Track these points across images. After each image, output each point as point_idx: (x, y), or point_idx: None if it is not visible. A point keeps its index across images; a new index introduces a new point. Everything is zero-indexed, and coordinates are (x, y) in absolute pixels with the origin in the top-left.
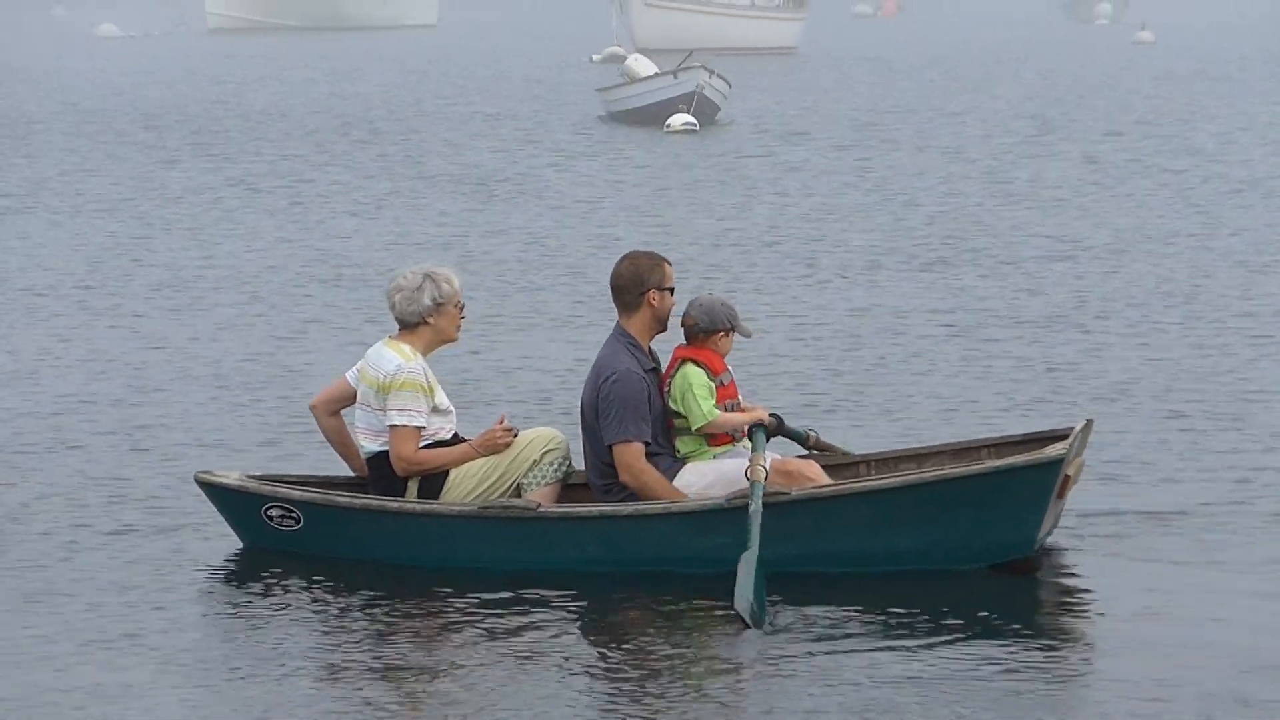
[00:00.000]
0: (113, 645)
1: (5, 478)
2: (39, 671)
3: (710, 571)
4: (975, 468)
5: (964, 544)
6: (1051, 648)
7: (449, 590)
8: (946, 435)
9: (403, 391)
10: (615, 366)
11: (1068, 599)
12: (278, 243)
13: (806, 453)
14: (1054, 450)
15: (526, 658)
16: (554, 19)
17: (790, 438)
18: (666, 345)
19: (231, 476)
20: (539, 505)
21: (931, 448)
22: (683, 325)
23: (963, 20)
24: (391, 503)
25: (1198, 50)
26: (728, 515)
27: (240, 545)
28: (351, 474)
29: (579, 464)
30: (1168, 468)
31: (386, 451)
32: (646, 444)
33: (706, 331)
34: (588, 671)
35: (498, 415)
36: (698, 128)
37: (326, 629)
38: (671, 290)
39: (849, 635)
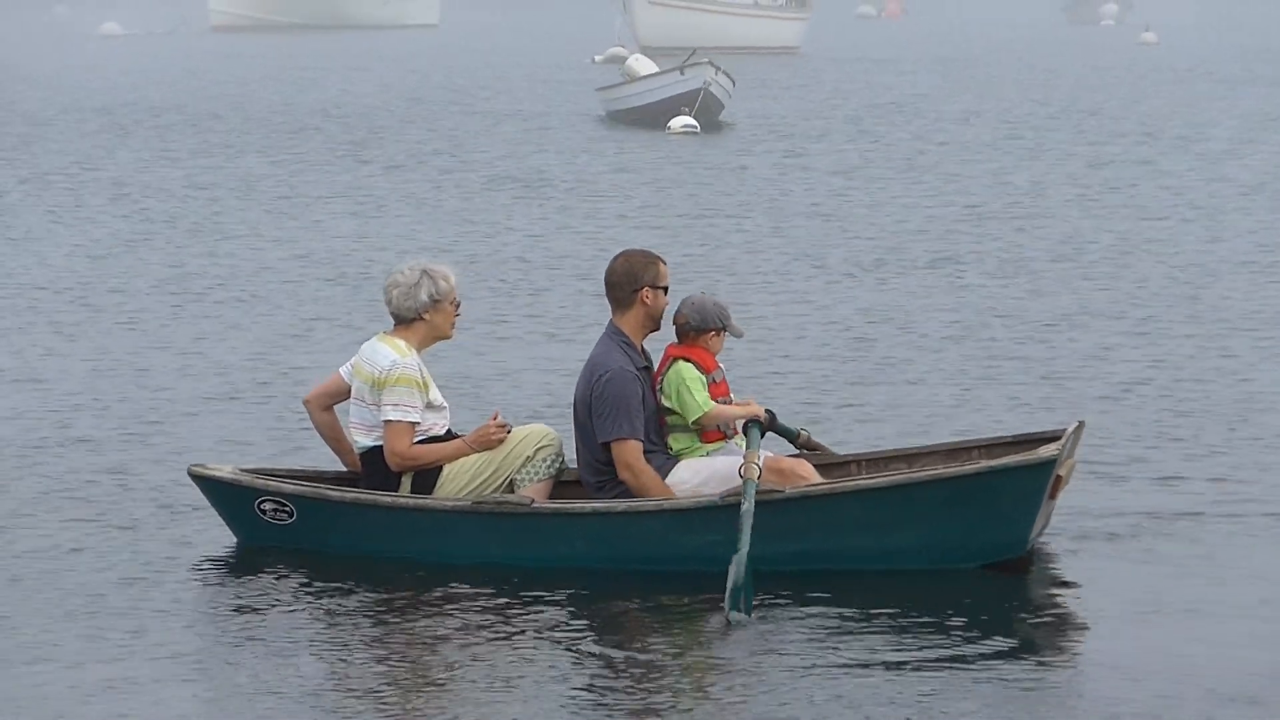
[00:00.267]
0: (106, 640)
1: (7, 473)
2: (32, 665)
3: (704, 569)
4: (968, 468)
5: (956, 544)
6: (1043, 648)
7: (442, 585)
8: (947, 435)
9: (397, 387)
10: (608, 365)
11: (1059, 600)
12: (279, 241)
13: (798, 451)
14: (1046, 451)
15: (519, 653)
16: (555, 20)
17: (781, 434)
18: (658, 344)
19: (224, 470)
20: (532, 501)
21: (923, 448)
22: (675, 324)
23: (966, 22)
24: (385, 497)
25: (1200, 51)
26: (721, 513)
27: (234, 539)
28: (344, 469)
29: (572, 461)
30: (1166, 469)
31: (380, 446)
32: (642, 441)
33: (698, 330)
34: (580, 668)
35: (492, 412)
36: (699, 130)
37: (319, 623)
38: (665, 289)
39: (840, 634)
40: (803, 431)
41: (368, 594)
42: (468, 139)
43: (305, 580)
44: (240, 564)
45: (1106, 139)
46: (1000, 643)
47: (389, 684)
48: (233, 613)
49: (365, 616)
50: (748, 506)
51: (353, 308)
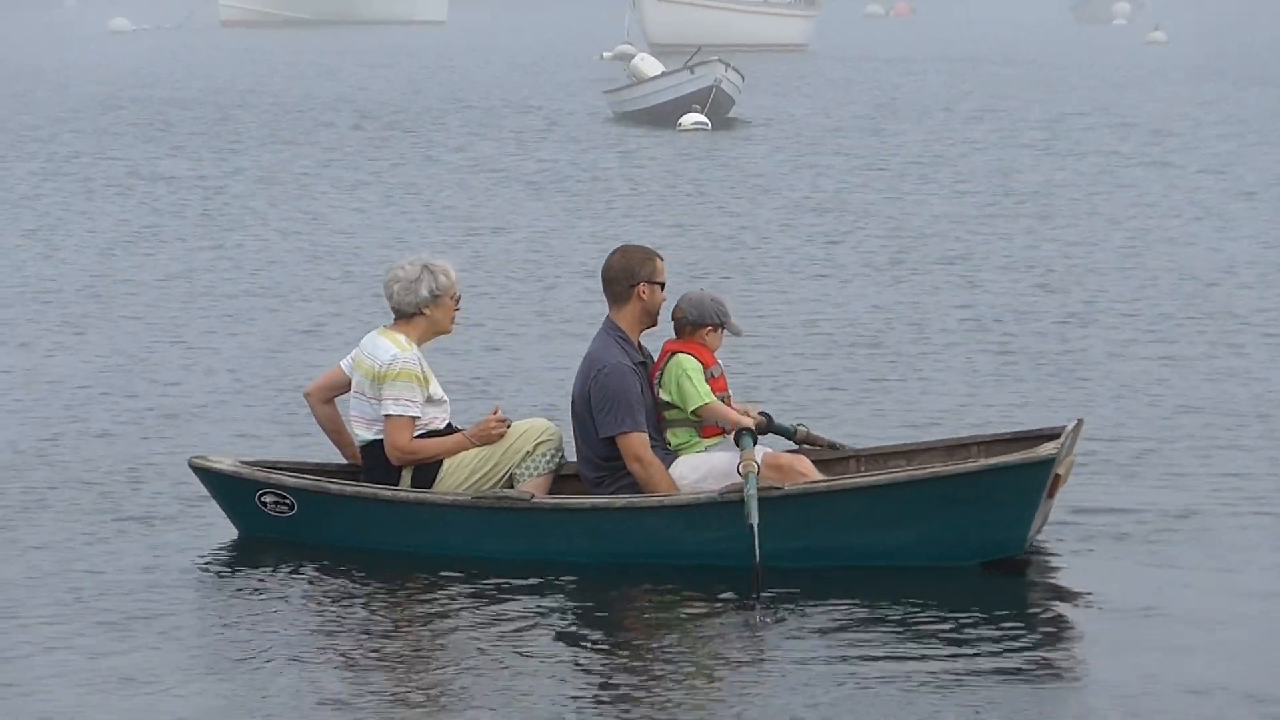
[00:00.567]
0: (107, 632)
1: (20, 465)
2: (34, 657)
3: (703, 564)
4: (967, 466)
5: (955, 541)
6: (1041, 646)
7: (441, 579)
8: (953, 431)
9: (398, 381)
10: (605, 360)
11: (1058, 598)
12: (288, 235)
13: (796, 447)
14: (1045, 449)
15: (517, 648)
16: (562, 18)
17: (778, 433)
18: (656, 340)
19: (225, 462)
20: (533, 496)
21: (922, 444)
22: (673, 318)
23: (974, 21)
24: (385, 491)
25: (1210, 50)
26: (721, 509)
27: (235, 531)
28: (344, 461)
29: (572, 456)
30: (1171, 466)
31: (381, 440)
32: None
33: (694, 325)
34: (578, 662)
35: (492, 407)
36: (709, 127)
37: (318, 616)
38: (663, 285)
39: (839, 631)
40: (800, 427)
41: (367, 587)
42: (477, 135)
43: (305, 573)
44: (241, 556)
45: (1115, 138)
46: (997, 641)
47: (387, 677)
48: (232, 605)
49: (365, 609)
50: (751, 490)
51: (362, 303)
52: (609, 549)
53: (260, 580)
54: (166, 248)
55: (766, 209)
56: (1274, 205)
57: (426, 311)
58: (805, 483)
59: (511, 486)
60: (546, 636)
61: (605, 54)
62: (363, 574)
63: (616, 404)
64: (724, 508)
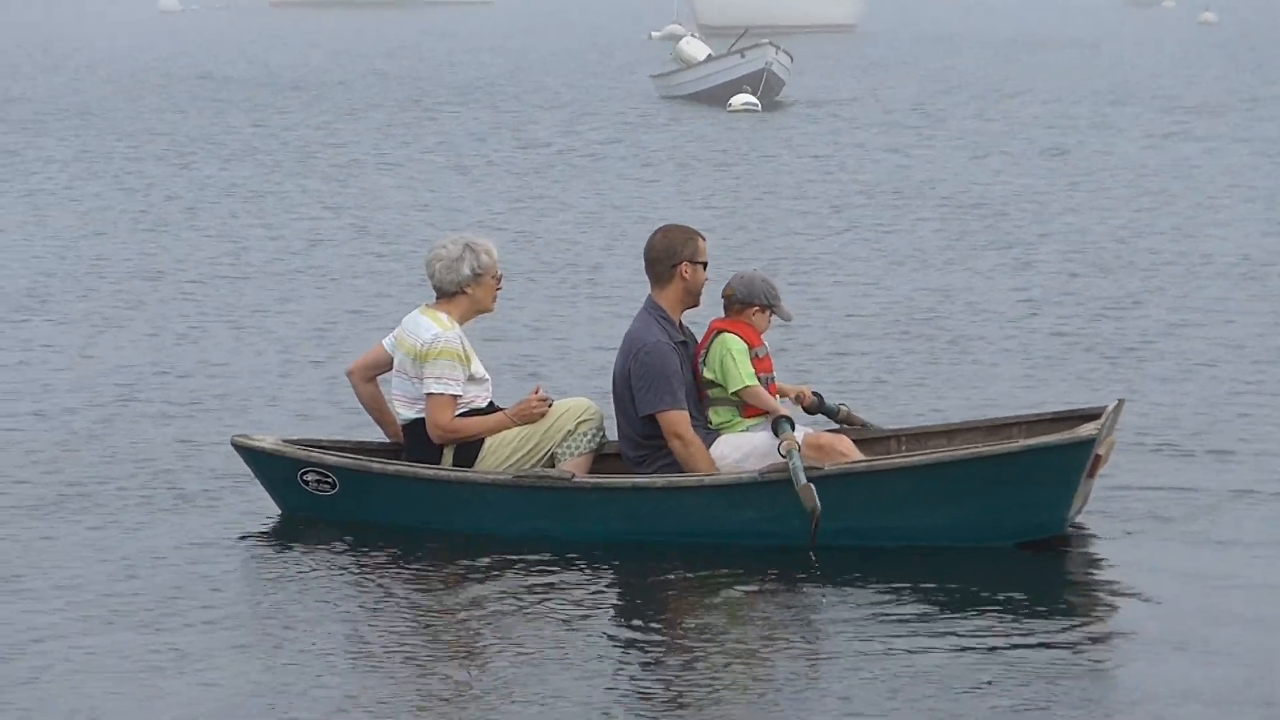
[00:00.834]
0: (149, 610)
1: (71, 444)
2: (77, 635)
3: (743, 544)
4: (1008, 446)
5: (995, 521)
6: (1081, 627)
7: (481, 557)
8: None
9: (440, 360)
10: (646, 339)
11: (1097, 578)
12: (338, 212)
13: (838, 427)
14: (1086, 430)
15: (557, 627)
16: None
17: (827, 414)
18: (699, 320)
19: (267, 441)
20: (573, 475)
21: (963, 424)
22: (723, 296)
23: (1024, 3)
24: (426, 469)
25: (1262, 31)
26: (761, 489)
27: (276, 510)
28: (386, 440)
29: (613, 434)
30: (1220, 449)
31: (422, 419)
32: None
33: (743, 303)
34: (617, 642)
35: (533, 386)
36: (759, 108)
37: (359, 594)
38: (704, 265)
39: (879, 611)
40: (842, 406)
41: (408, 565)
42: (525, 115)
43: (346, 551)
44: (283, 534)
45: (1166, 119)
46: (1037, 621)
47: (427, 656)
48: (274, 583)
49: (405, 588)
50: (796, 462)
51: (409, 283)
52: (649, 528)
53: (302, 558)
54: (216, 226)
55: (816, 190)
56: None
57: (468, 290)
58: (846, 463)
59: (553, 466)
60: (585, 616)
61: (654, 34)
62: (403, 552)
63: (657, 382)
64: (765, 488)
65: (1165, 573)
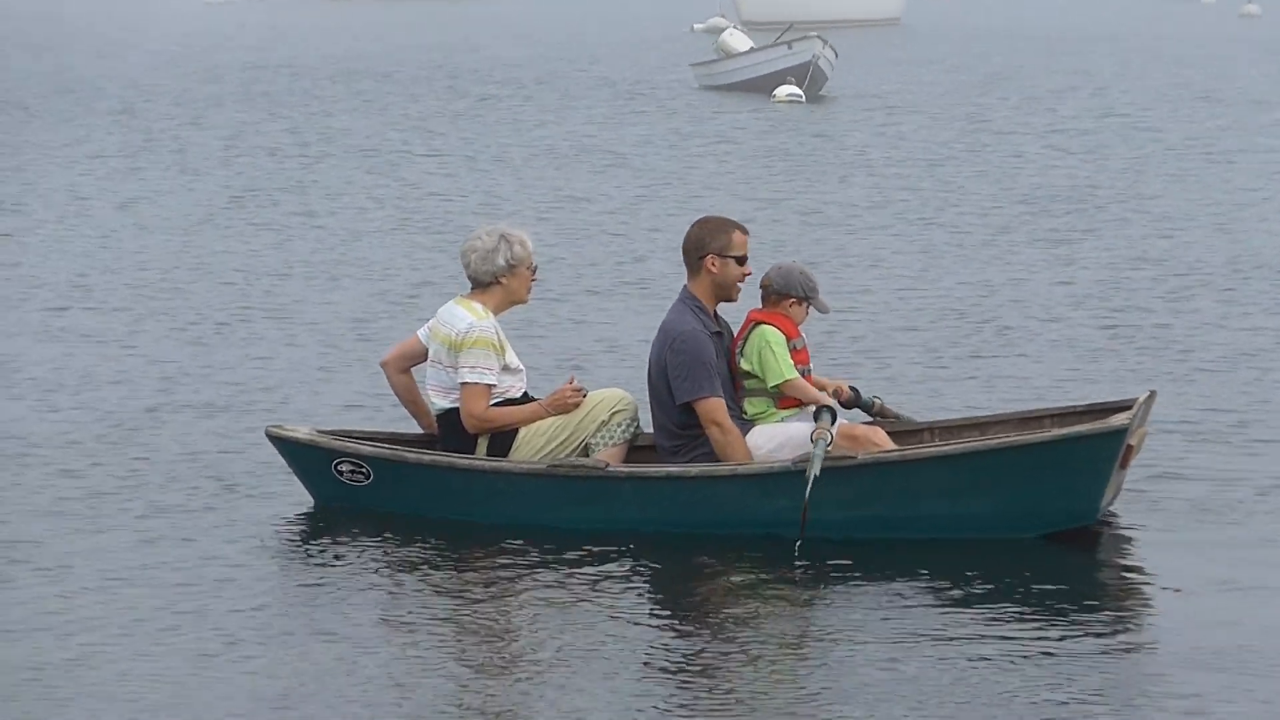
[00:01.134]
0: (183, 600)
1: (114, 437)
2: (115, 627)
3: (776, 534)
4: (1040, 435)
5: (1027, 511)
6: (1112, 618)
7: (515, 547)
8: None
9: (474, 349)
10: (681, 328)
11: (1129, 569)
12: (381, 204)
13: (872, 419)
14: (1118, 420)
15: (592, 617)
16: None
17: (862, 408)
18: (737, 313)
19: (302, 431)
20: (607, 465)
21: (996, 416)
22: (760, 286)
23: None
24: (460, 460)
25: None
26: (794, 478)
27: (310, 500)
28: (421, 431)
29: (647, 425)
30: (1259, 441)
31: (457, 408)
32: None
33: (779, 294)
34: (651, 631)
35: (568, 376)
36: (803, 100)
37: (393, 585)
38: (738, 259)
39: (910, 602)
40: (876, 399)
41: (441, 556)
42: (567, 106)
43: (381, 541)
44: (317, 525)
45: (1207, 113)
46: (1069, 612)
47: (460, 646)
48: (308, 573)
49: (439, 578)
50: (819, 451)
51: (450, 273)
52: (683, 518)
53: (336, 549)
54: (260, 215)
55: (860, 182)
56: None
57: (503, 281)
58: (879, 452)
59: (587, 456)
60: (620, 606)
61: (697, 26)
62: (437, 542)
63: (694, 370)
64: (797, 477)
65: (1199, 565)
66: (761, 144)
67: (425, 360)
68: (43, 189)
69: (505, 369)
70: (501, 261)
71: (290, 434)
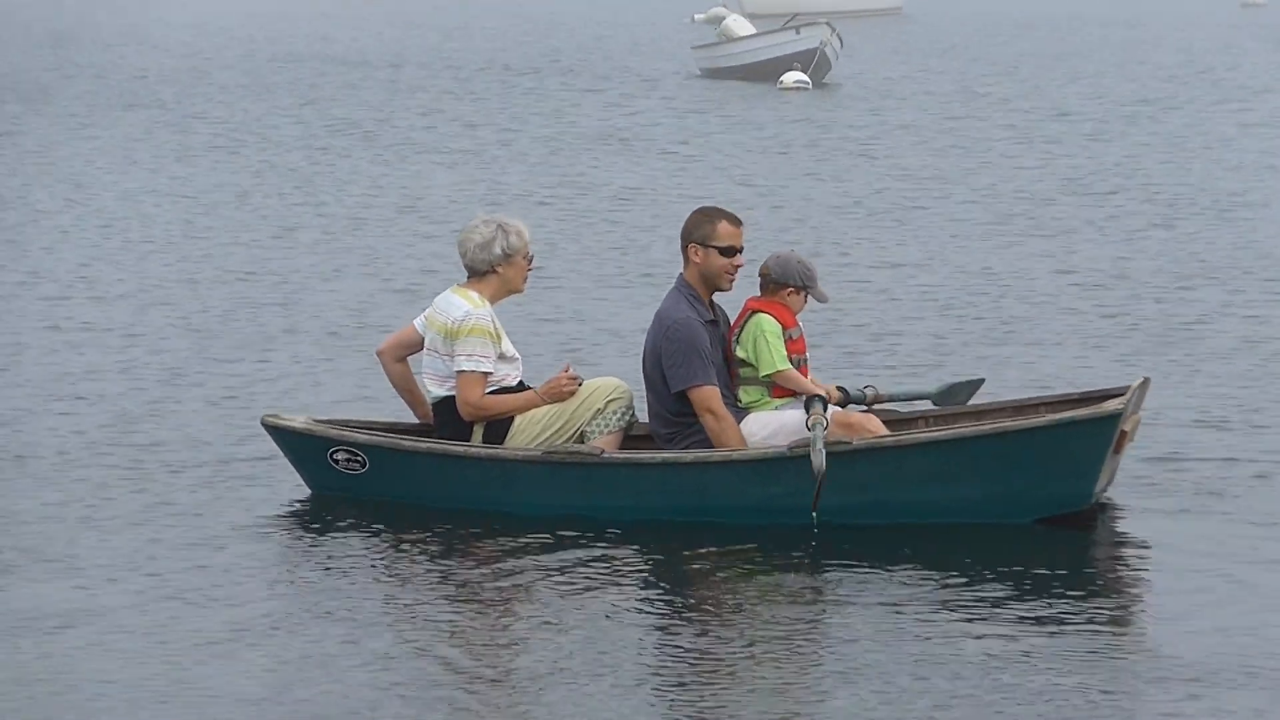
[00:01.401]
0: (179, 590)
1: (119, 424)
2: (115, 615)
3: (771, 520)
4: (1033, 421)
5: (1021, 497)
6: (1106, 603)
7: (511, 535)
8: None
9: (471, 337)
10: (675, 316)
11: (1123, 555)
12: (385, 192)
13: (867, 409)
14: (1111, 405)
15: (587, 603)
16: None
17: (854, 403)
18: (737, 300)
19: (297, 420)
20: (603, 451)
21: (990, 404)
22: (759, 275)
23: None
24: (456, 447)
25: None
26: (790, 464)
27: (306, 489)
28: (416, 420)
29: (642, 413)
30: (1257, 426)
31: (453, 396)
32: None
33: (777, 283)
34: (646, 617)
35: (564, 364)
36: (810, 86)
37: (389, 573)
38: (722, 250)
39: (905, 587)
40: (869, 389)
41: (438, 543)
42: (570, 95)
43: (377, 530)
44: (312, 513)
45: (1209, 100)
46: (1063, 597)
47: (457, 633)
48: (304, 562)
49: (435, 566)
50: (819, 433)
51: (455, 261)
52: (678, 504)
53: (332, 537)
54: (266, 205)
55: (866, 171)
56: None
57: (499, 270)
58: (873, 438)
59: (582, 443)
60: (615, 593)
61: (697, 16)
62: (434, 530)
63: (688, 358)
64: (792, 463)
65: (1197, 548)
66: (770, 131)
67: (421, 349)
68: (46, 179)
69: (501, 357)
70: (498, 251)
71: (286, 423)
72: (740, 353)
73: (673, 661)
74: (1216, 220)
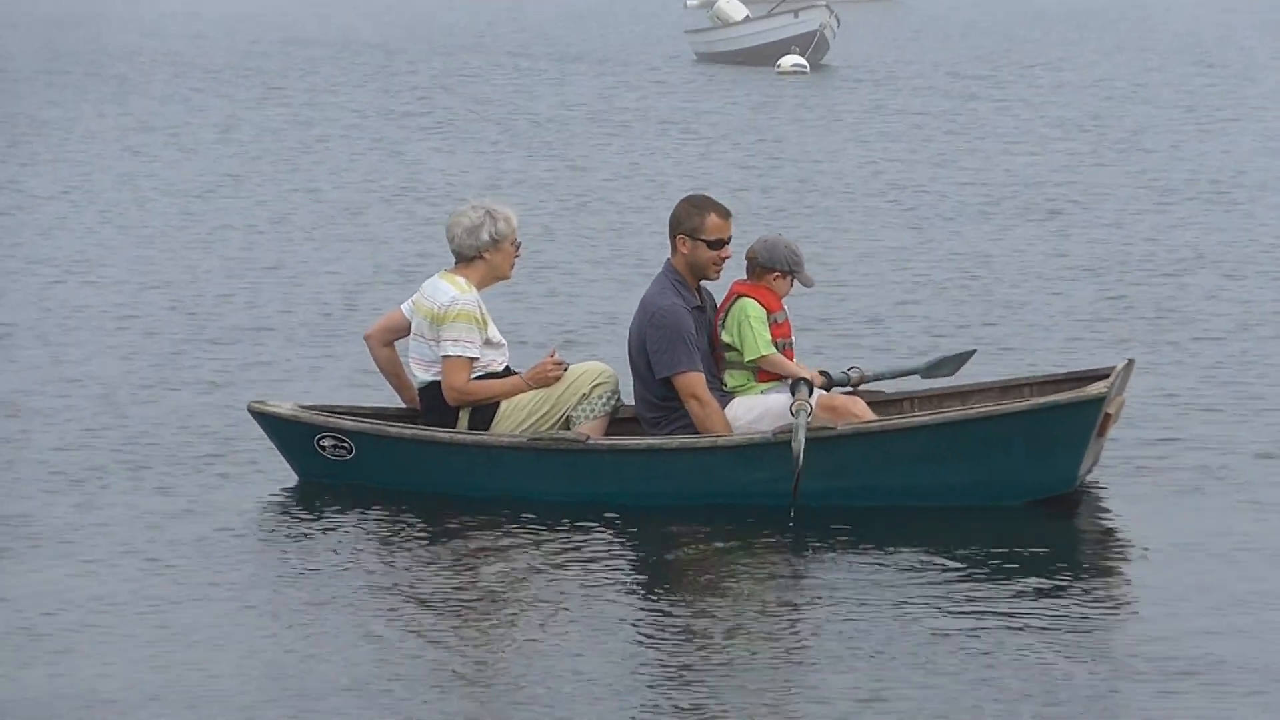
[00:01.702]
0: (164, 577)
1: (114, 405)
2: (85, 601)
3: (756, 504)
4: (1017, 405)
5: (1006, 480)
6: (1089, 584)
7: (497, 520)
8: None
9: (457, 322)
10: (660, 303)
11: (1107, 536)
12: (380, 177)
13: (852, 392)
14: (1095, 389)
15: (572, 587)
16: None
17: (836, 385)
18: (723, 284)
19: (284, 407)
20: (588, 438)
21: (975, 385)
22: (746, 258)
23: None
24: (442, 433)
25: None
26: (774, 449)
27: (293, 475)
28: (403, 405)
29: (629, 398)
30: (1243, 413)
31: (438, 382)
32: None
33: (763, 268)
34: (631, 602)
35: (549, 349)
36: (808, 70)
37: (376, 559)
38: (710, 243)
39: (891, 570)
40: (853, 370)
41: (424, 529)
42: (565, 80)
43: (363, 516)
44: (299, 500)
45: (1203, 83)
46: (1047, 578)
47: (443, 619)
48: (290, 549)
49: (421, 551)
50: (801, 421)
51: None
52: (663, 490)
53: (318, 524)
54: (259, 191)
55: (861, 152)
56: None
57: (486, 256)
58: (858, 423)
59: (568, 429)
60: (601, 578)
61: (690, 2)
62: (420, 516)
63: (673, 344)
64: (777, 448)
65: (1176, 531)
66: (766, 114)
67: (408, 334)
68: (43, 163)
69: (487, 343)
70: (485, 237)
71: (272, 410)
72: (725, 337)
73: (660, 646)
74: (1212, 202)
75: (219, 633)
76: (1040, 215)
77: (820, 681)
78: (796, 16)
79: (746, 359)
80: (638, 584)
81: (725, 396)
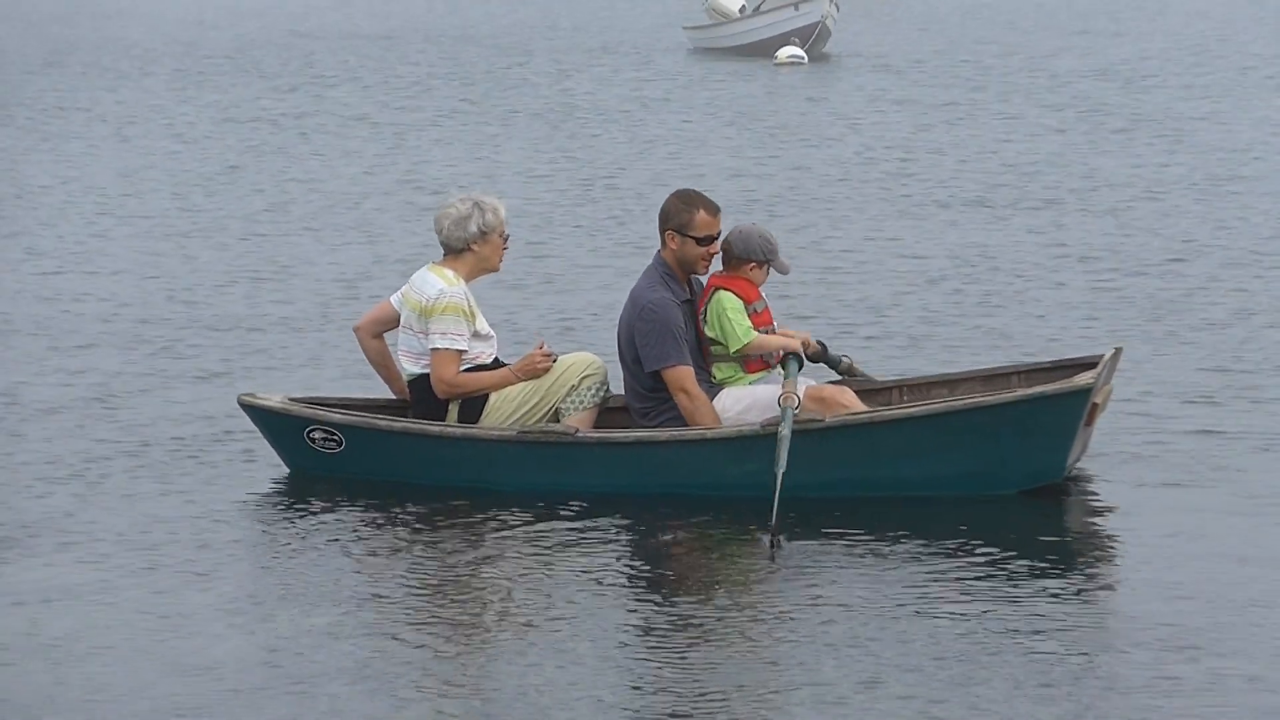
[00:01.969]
0: (153, 569)
1: (103, 401)
2: (81, 593)
3: (745, 496)
4: (1005, 396)
5: (994, 470)
6: (1078, 573)
7: (486, 512)
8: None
9: (445, 315)
10: (649, 296)
11: (1096, 525)
12: (377, 171)
13: (840, 378)
14: (1083, 379)
15: (562, 580)
16: None
17: (828, 364)
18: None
19: (274, 399)
20: (577, 430)
21: (963, 373)
22: (721, 249)
23: None
24: (432, 426)
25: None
26: (763, 441)
27: (283, 468)
28: (393, 396)
29: (618, 388)
30: (1236, 402)
31: (428, 374)
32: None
33: (739, 259)
34: (620, 596)
35: (538, 341)
36: (805, 61)
37: (365, 551)
38: (699, 239)
39: (880, 560)
40: (845, 358)
41: (414, 522)
42: (564, 72)
43: (353, 508)
44: (289, 492)
45: (1196, 74)
46: (1036, 568)
47: (432, 610)
48: (280, 541)
49: (411, 544)
50: (785, 432)
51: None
52: (653, 482)
53: (308, 516)
54: (258, 182)
55: (867, 145)
56: None
57: (475, 248)
58: (846, 414)
59: (557, 421)
60: (590, 569)
61: None
62: (409, 508)
63: (662, 338)
64: (766, 440)
65: (1163, 518)
66: (763, 105)
67: (398, 326)
68: (41, 154)
69: (476, 335)
70: (474, 229)
71: (262, 402)
72: (709, 331)
73: (647, 637)
74: (1207, 194)
75: (214, 623)
76: (1036, 204)
77: (812, 670)
78: (797, 9)
79: (732, 350)
80: (626, 575)
81: (714, 388)
